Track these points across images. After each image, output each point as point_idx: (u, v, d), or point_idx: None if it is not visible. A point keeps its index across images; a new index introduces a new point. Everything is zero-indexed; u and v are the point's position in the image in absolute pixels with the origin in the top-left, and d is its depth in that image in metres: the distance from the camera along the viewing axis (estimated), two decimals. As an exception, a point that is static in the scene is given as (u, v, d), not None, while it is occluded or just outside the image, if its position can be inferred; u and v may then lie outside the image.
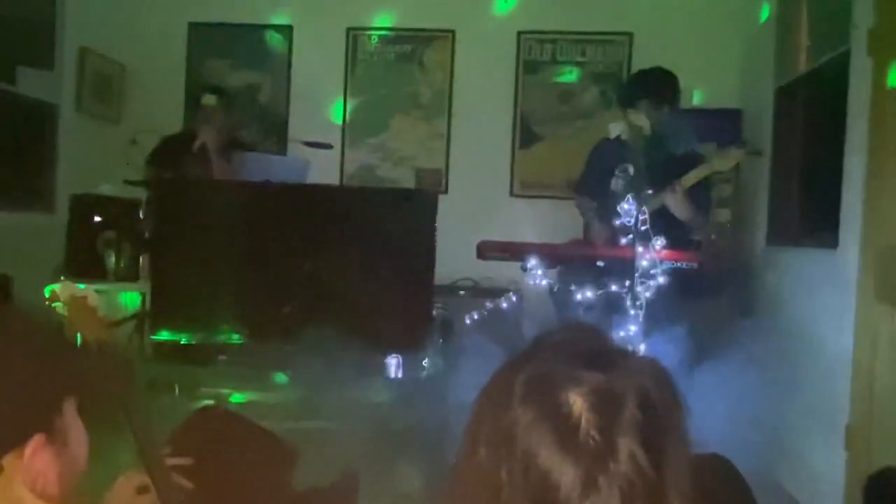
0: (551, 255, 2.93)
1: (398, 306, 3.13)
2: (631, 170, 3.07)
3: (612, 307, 2.66)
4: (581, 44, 4.53)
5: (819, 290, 2.89)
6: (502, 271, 3.68)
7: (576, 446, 0.65)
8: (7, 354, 0.91)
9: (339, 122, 4.67)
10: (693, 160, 3.10)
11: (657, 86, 3.12)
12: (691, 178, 2.87)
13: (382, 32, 4.65)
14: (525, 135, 4.60)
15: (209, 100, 3.74)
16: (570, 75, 4.57)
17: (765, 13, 3.83)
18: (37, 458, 0.90)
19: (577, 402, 0.67)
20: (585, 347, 0.72)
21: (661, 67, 3.16)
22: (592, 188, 3.27)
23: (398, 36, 4.65)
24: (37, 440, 0.90)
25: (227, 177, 3.60)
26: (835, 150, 2.72)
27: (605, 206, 3.07)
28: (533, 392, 0.68)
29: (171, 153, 3.71)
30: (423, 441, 2.61)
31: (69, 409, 0.95)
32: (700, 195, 2.95)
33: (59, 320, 1.34)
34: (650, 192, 2.78)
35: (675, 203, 2.84)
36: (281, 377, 3.25)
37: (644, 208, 2.64)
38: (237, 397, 3.07)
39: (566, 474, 0.64)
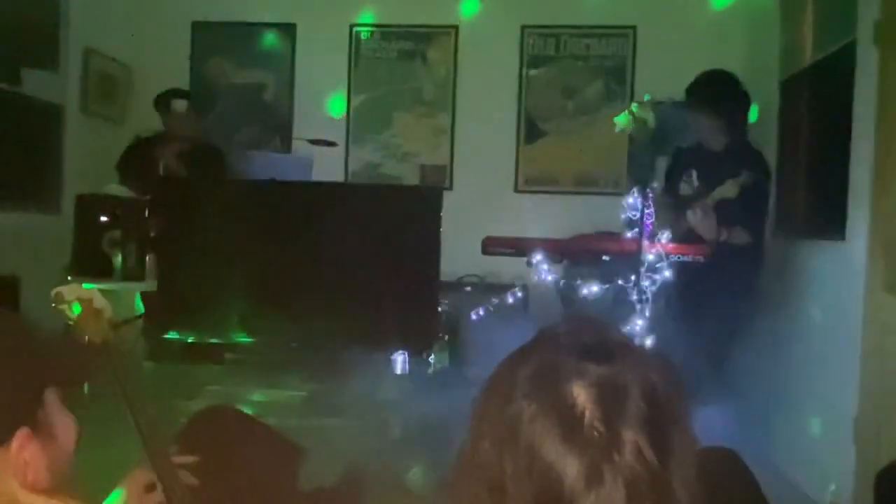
0: (557, 251, 2.93)
1: (404, 303, 3.13)
2: (694, 174, 3.12)
3: (619, 301, 2.66)
4: (585, 38, 4.52)
5: (827, 282, 2.88)
6: (508, 267, 3.67)
7: (580, 438, 0.65)
8: None
9: (343, 119, 4.67)
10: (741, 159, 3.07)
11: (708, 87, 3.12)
12: (716, 195, 2.89)
13: (385, 29, 4.65)
14: (529, 130, 4.59)
15: (179, 105, 3.78)
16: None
17: (770, 3, 3.80)
18: (23, 451, 0.90)
19: (581, 394, 0.66)
20: (590, 339, 0.72)
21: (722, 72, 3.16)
22: (669, 191, 3.28)
23: (401, 32, 4.64)
24: (22, 433, 0.90)
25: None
26: (841, 142, 2.70)
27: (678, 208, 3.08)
28: (537, 384, 0.68)
29: (139, 158, 3.76)
30: (429, 437, 2.61)
31: (51, 399, 0.95)
32: (729, 210, 2.92)
33: (64, 322, 1.34)
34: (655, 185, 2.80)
35: (697, 222, 2.86)
36: (287, 375, 3.25)
37: (651, 202, 2.65)
38: (244, 395, 3.07)
39: (570, 466, 0.64)
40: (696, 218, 2.88)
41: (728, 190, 2.91)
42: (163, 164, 3.70)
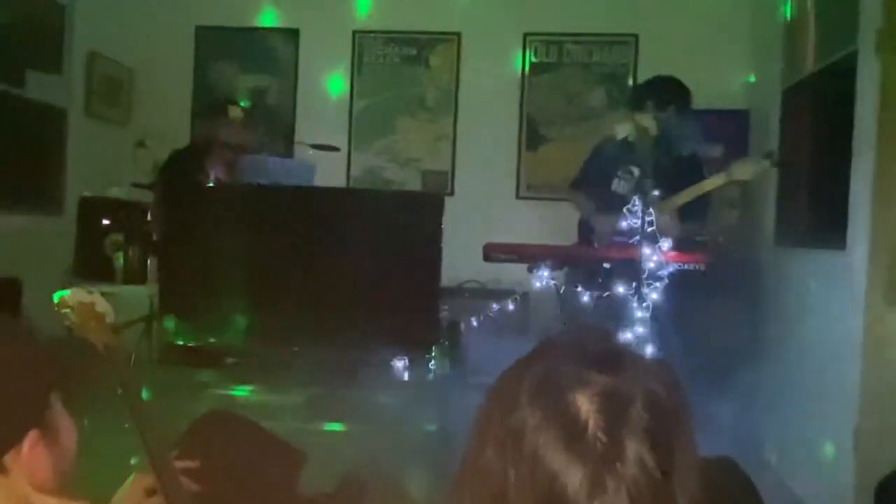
0: (558, 257, 2.93)
1: (405, 308, 3.13)
2: (636, 171, 3.09)
3: (619, 309, 2.66)
4: (587, 45, 4.53)
5: (827, 292, 2.88)
6: (509, 273, 3.67)
7: (583, 448, 0.65)
8: None
9: (346, 124, 4.68)
10: (699, 163, 3.12)
11: (663, 89, 3.13)
12: (691, 192, 2.89)
13: (388, 35, 4.66)
14: (531, 136, 4.60)
15: (236, 112, 3.68)
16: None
17: (772, 13, 3.81)
18: (33, 453, 0.93)
19: (585, 404, 0.67)
20: (593, 349, 0.72)
21: (671, 76, 3.19)
22: (589, 186, 3.27)
23: (404, 38, 4.66)
24: (32, 436, 0.92)
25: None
26: (843, 151, 2.70)
27: (605, 205, 3.08)
28: (540, 393, 0.68)
29: (184, 167, 3.65)
30: (429, 442, 2.60)
31: (56, 402, 0.98)
32: (697, 206, 2.94)
33: (67, 326, 1.35)
34: (657, 194, 2.78)
35: (662, 223, 2.81)
36: (288, 379, 3.24)
37: (651, 210, 2.65)
38: (245, 399, 3.07)
39: (573, 476, 0.64)
40: (661, 219, 2.79)
41: (741, 171, 2.83)
42: (219, 170, 3.57)
